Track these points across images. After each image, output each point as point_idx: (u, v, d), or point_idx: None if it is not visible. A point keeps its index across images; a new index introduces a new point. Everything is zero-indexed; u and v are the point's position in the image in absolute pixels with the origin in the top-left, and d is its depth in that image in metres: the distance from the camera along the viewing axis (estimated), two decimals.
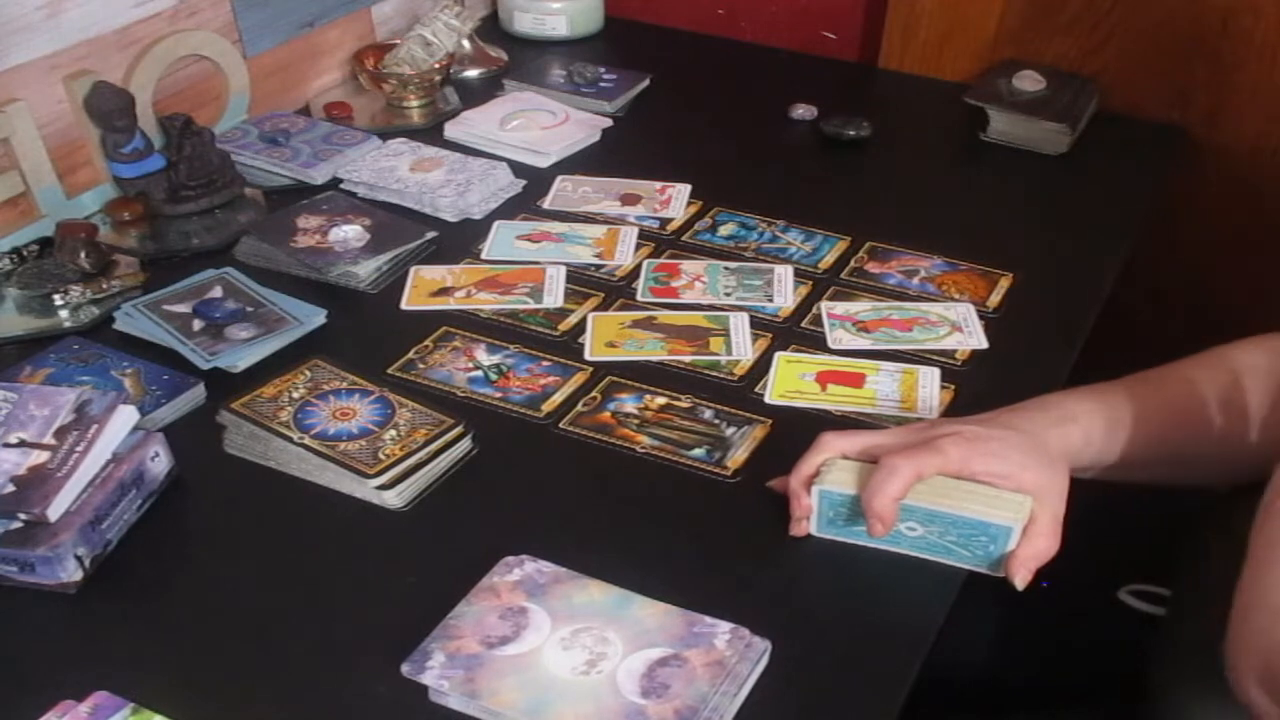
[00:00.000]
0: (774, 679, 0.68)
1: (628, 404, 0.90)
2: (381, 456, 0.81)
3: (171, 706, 0.65)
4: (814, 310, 1.01)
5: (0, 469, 0.75)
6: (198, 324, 0.95)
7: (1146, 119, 1.33)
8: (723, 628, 0.69)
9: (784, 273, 1.06)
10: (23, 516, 0.73)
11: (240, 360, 0.92)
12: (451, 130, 1.28)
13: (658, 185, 1.20)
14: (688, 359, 0.95)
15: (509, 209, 1.16)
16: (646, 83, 1.40)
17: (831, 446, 0.77)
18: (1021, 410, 0.78)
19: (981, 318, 1.00)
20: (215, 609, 0.73)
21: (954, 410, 0.89)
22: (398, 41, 1.35)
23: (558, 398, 0.91)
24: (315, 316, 0.97)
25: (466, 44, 1.42)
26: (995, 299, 1.03)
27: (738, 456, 0.85)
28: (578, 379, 0.93)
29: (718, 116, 1.37)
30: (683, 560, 0.77)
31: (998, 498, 0.73)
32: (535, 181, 1.20)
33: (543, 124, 1.29)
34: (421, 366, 0.94)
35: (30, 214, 1.07)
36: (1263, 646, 0.61)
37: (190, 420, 0.88)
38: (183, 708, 0.65)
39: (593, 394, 0.91)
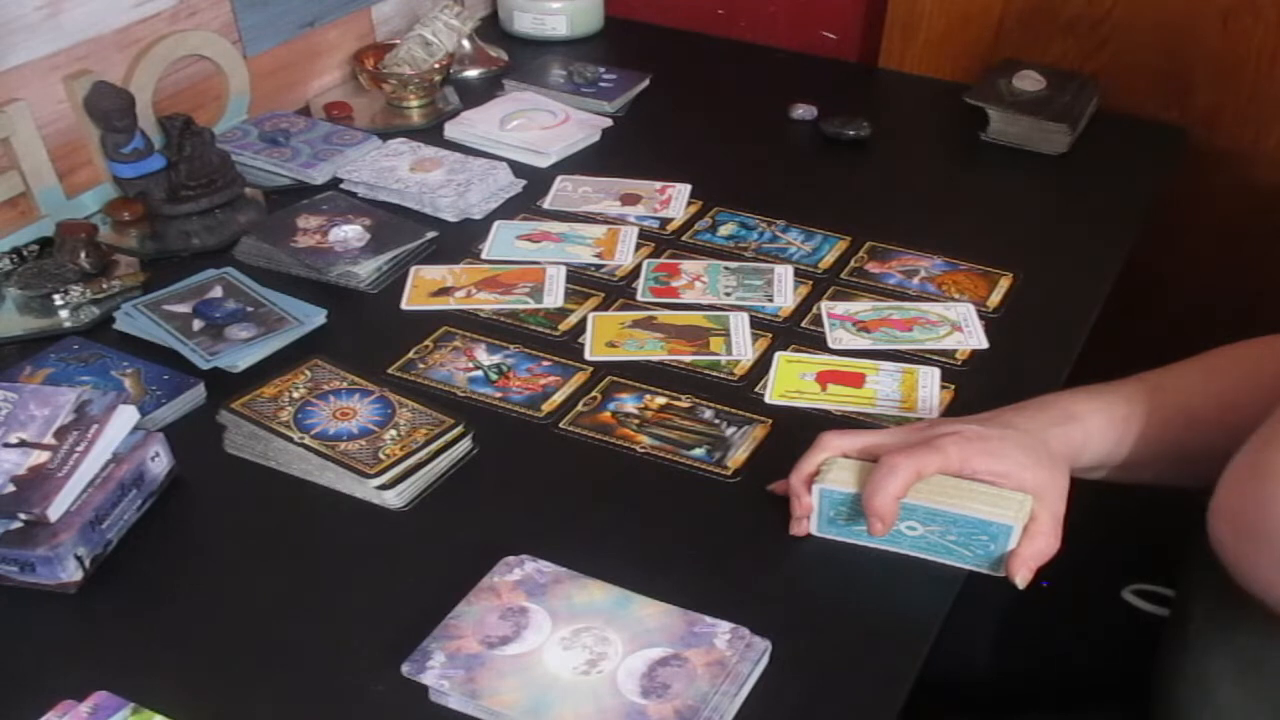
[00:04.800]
0: (774, 679, 0.68)
1: (628, 404, 0.90)
2: (382, 456, 0.81)
3: (171, 706, 0.65)
4: (814, 310, 1.01)
5: (0, 469, 0.75)
6: (198, 324, 0.95)
7: (1146, 119, 1.33)
8: (723, 627, 0.69)
9: (784, 273, 1.06)
10: (23, 516, 0.73)
11: (240, 360, 0.92)
12: (451, 130, 1.28)
13: (658, 185, 1.20)
14: (688, 359, 0.95)
15: (509, 209, 1.16)
16: (646, 83, 1.40)
17: (832, 445, 0.77)
18: (1022, 410, 0.78)
19: (981, 318, 1.00)
20: (215, 609, 0.73)
21: (954, 410, 0.89)
22: (398, 41, 1.35)
23: (558, 398, 0.91)
24: (315, 316, 0.97)
25: (466, 44, 1.42)
26: (995, 299, 1.03)
27: (738, 456, 0.85)
28: (578, 379, 0.93)
29: (718, 116, 1.37)
30: (683, 560, 0.77)
31: (998, 497, 0.73)
32: (535, 181, 1.20)
33: (543, 124, 1.29)
34: (422, 366, 0.94)
35: (30, 214, 1.07)
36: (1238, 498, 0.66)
37: (190, 420, 0.88)
38: (183, 708, 0.65)
39: (593, 394, 0.91)
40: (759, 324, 0.99)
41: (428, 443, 0.83)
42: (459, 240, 1.10)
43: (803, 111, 1.34)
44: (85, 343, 0.94)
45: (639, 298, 1.03)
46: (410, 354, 0.95)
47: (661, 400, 0.91)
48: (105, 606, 0.73)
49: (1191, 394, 0.79)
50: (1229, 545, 0.67)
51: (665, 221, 1.14)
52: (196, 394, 0.89)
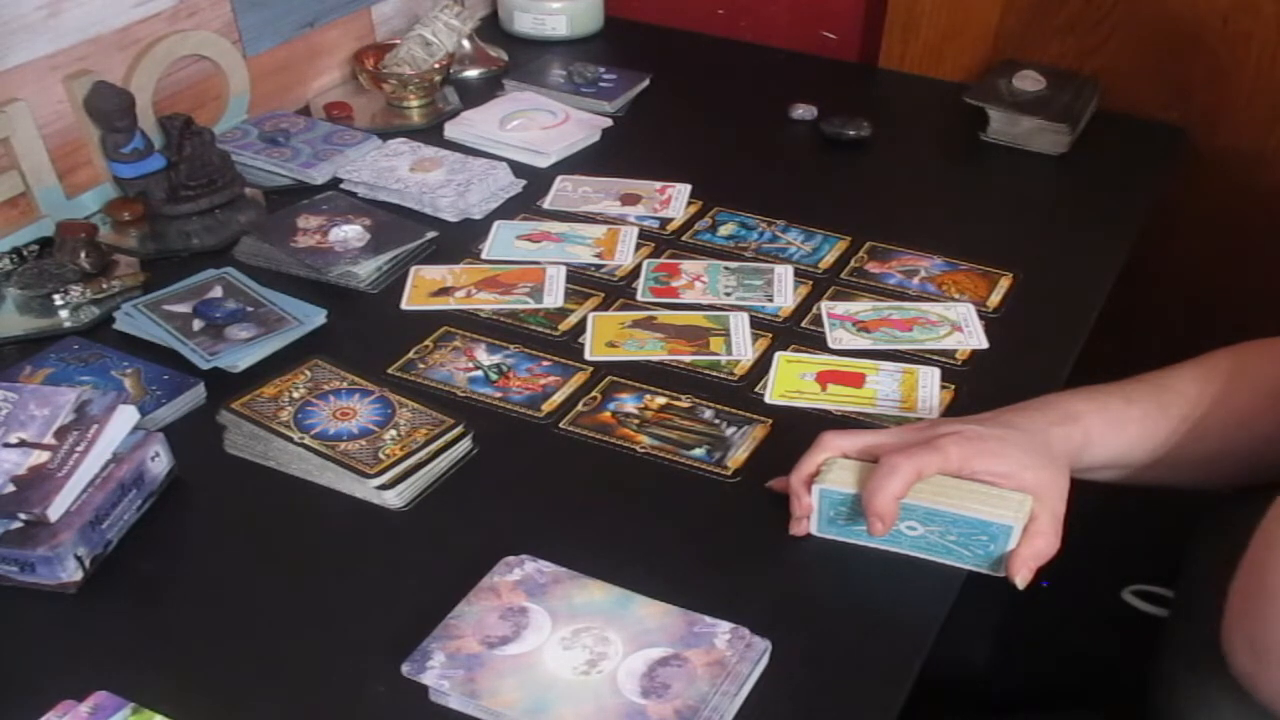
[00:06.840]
0: (774, 679, 0.68)
1: (628, 404, 0.90)
2: (382, 456, 0.81)
3: (171, 706, 0.65)
4: (814, 310, 1.01)
5: (0, 469, 0.75)
6: (198, 324, 0.95)
7: (1146, 119, 1.33)
8: (723, 627, 0.69)
9: (784, 273, 1.06)
10: (23, 516, 0.73)
11: (240, 360, 0.92)
12: (451, 130, 1.28)
13: (658, 185, 1.20)
14: (688, 359, 0.95)
15: (509, 209, 1.16)
16: (646, 83, 1.40)
17: (832, 445, 0.77)
18: (1022, 410, 0.78)
19: (981, 318, 1.00)
20: (215, 609, 0.73)
21: (954, 410, 0.89)
22: (398, 41, 1.35)
23: (558, 398, 0.91)
24: (315, 316, 0.97)
25: (466, 44, 1.42)
26: (995, 299, 1.03)
27: (738, 456, 0.85)
28: (578, 379, 0.93)
29: (718, 116, 1.37)
30: (683, 560, 0.77)
31: (998, 497, 0.73)
32: (535, 181, 1.20)
33: (543, 124, 1.29)
34: (422, 366, 0.94)
35: (30, 214, 1.07)
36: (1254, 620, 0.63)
37: (190, 420, 0.88)
38: (183, 708, 0.65)
39: (593, 394, 0.91)
40: (759, 324, 0.99)
41: (428, 443, 0.83)
42: (459, 240, 1.10)
43: (803, 111, 1.34)
44: (85, 343, 0.94)
45: (639, 298, 1.03)
46: (410, 354, 0.95)
47: (661, 400, 0.91)
48: (105, 606, 0.73)
49: (1192, 395, 0.79)
50: (1245, 663, 0.64)
51: (665, 221, 1.14)
52: (196, 394, 0.89)
